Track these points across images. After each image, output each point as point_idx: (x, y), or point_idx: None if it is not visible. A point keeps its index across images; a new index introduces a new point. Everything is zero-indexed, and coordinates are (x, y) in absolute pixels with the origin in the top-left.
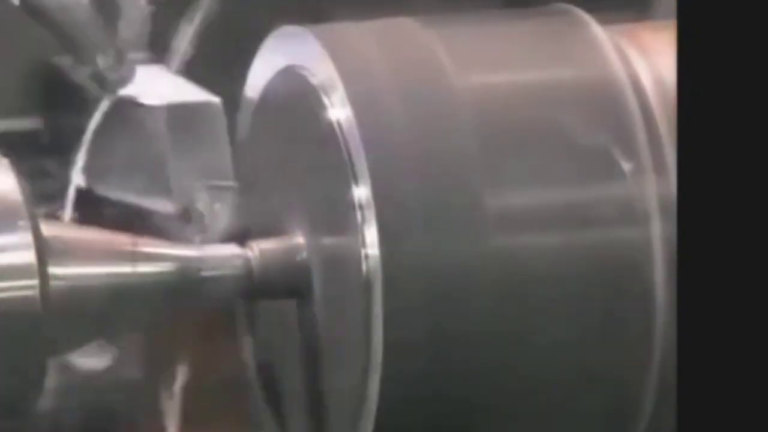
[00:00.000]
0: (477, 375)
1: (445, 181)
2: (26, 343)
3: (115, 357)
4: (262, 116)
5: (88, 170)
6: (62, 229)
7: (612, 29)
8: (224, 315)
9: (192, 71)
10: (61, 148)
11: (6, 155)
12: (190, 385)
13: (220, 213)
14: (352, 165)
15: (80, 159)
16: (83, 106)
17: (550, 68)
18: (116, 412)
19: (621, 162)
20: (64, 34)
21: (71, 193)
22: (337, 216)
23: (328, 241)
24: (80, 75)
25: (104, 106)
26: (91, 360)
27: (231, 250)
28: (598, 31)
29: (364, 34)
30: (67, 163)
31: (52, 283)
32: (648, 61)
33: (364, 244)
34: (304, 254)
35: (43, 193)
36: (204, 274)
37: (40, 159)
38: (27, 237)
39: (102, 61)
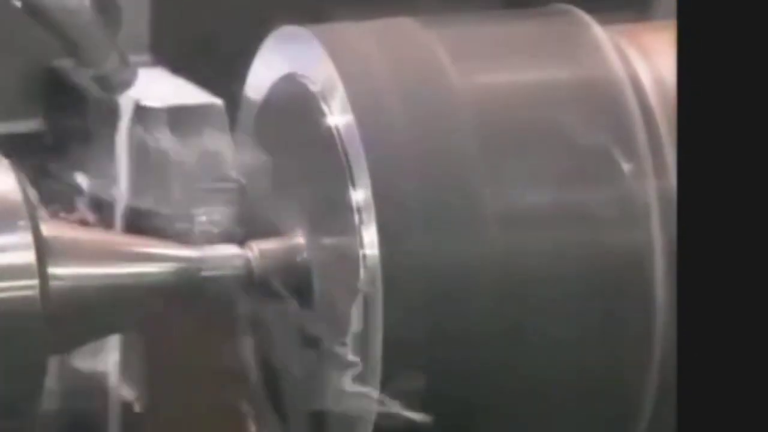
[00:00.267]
0: (477, 375)
1: (445, 181)
2: (26, 343)
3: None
4: (264, 121)
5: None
6: (62, 229)
7: (612, 29)
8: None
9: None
10: (63, 150)
11: (8, 157)
12: (190, 385)
13: (222, 214)
14: (351, 170)
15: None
16: (85, 108)
17: (549, 68)
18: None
19: (621, 162)
20: (66, 37)
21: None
22: (337, 217)
23: (327, 241)
24: (82, 77)
25: (125, 114)
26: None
27: (231, 250)
28: (598, 31)
29: (363, 34)
30: (69, 165)
31: (52, 283)
32: (648, 61)
33: (362, 245)
34: (304, 255)
35: (46, 195)
36: (204, 274)
37: (42, 161)
38: (27, 237)
39: (104, 64)
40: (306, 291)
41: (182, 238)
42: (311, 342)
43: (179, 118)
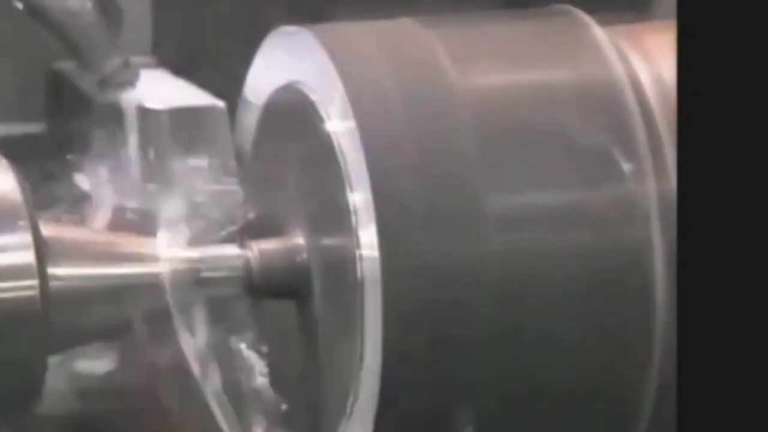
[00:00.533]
0: (477, 375)
1: (445, 182)
2: (26, 343)
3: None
4: (264, 125)
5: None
6: (62, 230)
7: (612, 30)
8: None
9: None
10: (65, 152)
11: (11, 159)
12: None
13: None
14: (349, 175)
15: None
16: (87, 110)
17: (550, 69)
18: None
19: (621, 162)
20: (67, 38)
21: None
22: (336, 218)
23: (327, 242)
24: (84, 79)
25: (132, 118)
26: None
27: (231, 250)
28: (598, 31)
29: (363, 35)
30: (70, 167)
31: (52, 283)
32: (648, 61)
33: (359, 246)
34: (304, 255)
35: (48, 197)
36: (204, 274)
37: (44, 162)
38: (27, 237)
39: (106, 65)
40: (306, 291)
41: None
42: (311, 342)
43: (181, 119)
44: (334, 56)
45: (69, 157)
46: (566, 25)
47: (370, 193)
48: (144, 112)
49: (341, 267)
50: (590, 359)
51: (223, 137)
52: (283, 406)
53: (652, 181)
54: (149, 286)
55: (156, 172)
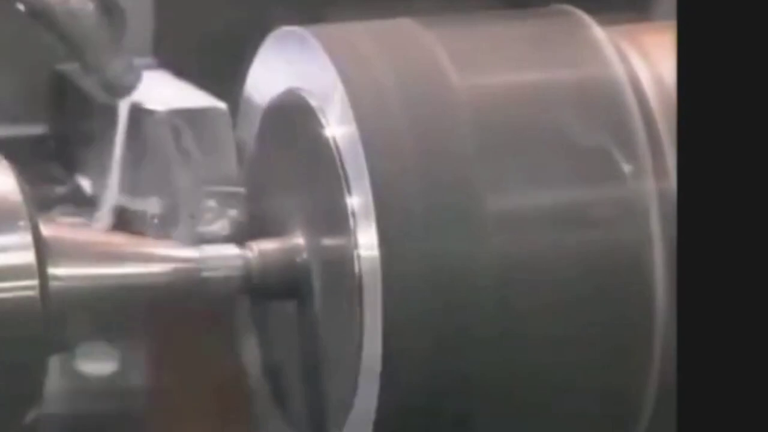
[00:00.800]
0: (477, 375)
1: (445, 182)
2: (26, 343)
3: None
4: (266, 128)
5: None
6: (62, 230)
7: (612, 30)
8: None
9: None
10: (68, 154)
11: (14, 160)
12: (189, 384)
13: (224, 217)
14: (348, 175)
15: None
16: (90, 112)
17: (550, 69)
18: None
19: (621, 162)
20: (70, 40)
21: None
22: (336, 219)
23: (327, 242)
24: (87, 81)
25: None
26: (95, 365)
27: (231, 250)
28: (598, 31)
29: (363, 35)
30: (73, 168)
31: (52, 283)
32: (648, 61)
33: (358, 246)
34: (304, 255)
35: (50, 198)
36: (204, 274)
37: (47, 164)
38: (27, 237)
39: (108, 67)
40: (306, 292)
41: (182, 238)
42: (311, 342)
43: (183, 121)
44: (334, 57)
45: (71, 158)
46: (566, 25)
47: (370, 193)
48: (145, 114)
49: (341, 267)
50: (590, 359)
51: (224, 138)
52: (283, 406)
53: (652, 181)
54: (149, 286)
55: (154, 174)
